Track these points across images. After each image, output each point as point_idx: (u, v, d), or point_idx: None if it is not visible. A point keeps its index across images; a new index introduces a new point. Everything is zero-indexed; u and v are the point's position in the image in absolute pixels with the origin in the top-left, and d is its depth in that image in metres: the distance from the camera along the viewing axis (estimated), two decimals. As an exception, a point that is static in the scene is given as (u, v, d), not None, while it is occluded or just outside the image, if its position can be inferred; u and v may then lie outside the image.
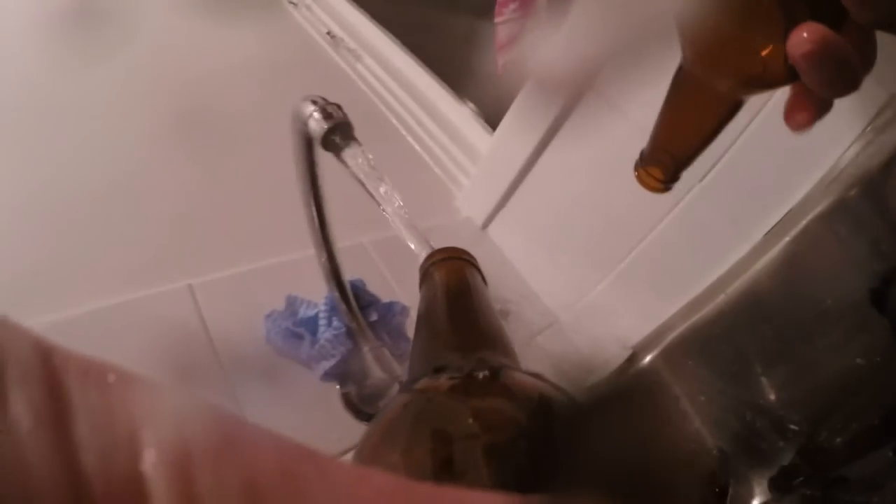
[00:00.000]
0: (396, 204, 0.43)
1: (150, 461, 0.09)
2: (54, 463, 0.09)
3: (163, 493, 0.09)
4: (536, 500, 0.13)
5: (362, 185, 0.43)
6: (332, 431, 0.56)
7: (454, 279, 0.37)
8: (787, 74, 0.28)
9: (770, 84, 0.30)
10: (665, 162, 0.36)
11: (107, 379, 0.10)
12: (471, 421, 0.24)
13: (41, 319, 0.51)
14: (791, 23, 0.26)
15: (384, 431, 0.28)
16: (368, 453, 0.27)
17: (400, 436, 0.26)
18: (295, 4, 1.30)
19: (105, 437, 0.09)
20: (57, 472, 0.09)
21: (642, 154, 0.37)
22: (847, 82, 0.27)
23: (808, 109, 0.30)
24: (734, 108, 0.32)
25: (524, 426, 0.25)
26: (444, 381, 0.28)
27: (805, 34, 0.25)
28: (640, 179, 0.38)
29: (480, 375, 0.28)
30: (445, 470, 0.23)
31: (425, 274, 0.38)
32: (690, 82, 0.33)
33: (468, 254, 0.39)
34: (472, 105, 1.03)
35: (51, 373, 0.10)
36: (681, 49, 0.32)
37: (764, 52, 0.28)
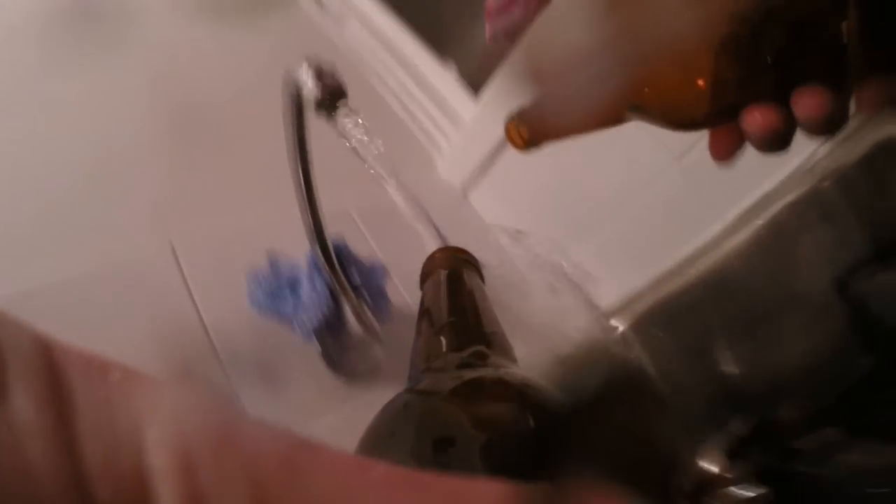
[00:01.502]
0: (385, 166, 0.43)
1: (154, 456, 0.10)
2: (56, 455, 0.09)
3: (167, 487, 0.09)
4: (532, 489, 0.14)
5: (352, 147, 0.43)
6: (316, 389, 0.56)
7: (454, 280, 0.37)
8: (701, 121, 0.30)
9: (676, 122, 0.31)
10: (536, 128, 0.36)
11: (110, 376, 0.10)
12: (470, 421, 0.25)
13: (26, 287, 0.49)
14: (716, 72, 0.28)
15: (385, 432, 0.28)
16: (369, 452, 0.27)
17: (400, 436, 0.26)
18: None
19: (108, 433, 0.09)
20: (58, 464, 0.09)
21: (521, 110, 0.36)
22: (781, 149, 0.29)
23: (729, 145, 0.32)
24: (620, 120, 0.33)
25: (522, 426, 0.26)
26: (444, 381, 0.28)
27: (759, 117, 0.27)
28: (507, 131, 0.37)
29: (480, 376, 0.29)
30: (445, 469, 0.22)
31: (426, 274, 0.39)
32: None
33: (469, 254, 0.40)
34: (456, 70, 1.02)
35: (52, 366, 0.10)
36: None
37: (682, 94, 0.29)
